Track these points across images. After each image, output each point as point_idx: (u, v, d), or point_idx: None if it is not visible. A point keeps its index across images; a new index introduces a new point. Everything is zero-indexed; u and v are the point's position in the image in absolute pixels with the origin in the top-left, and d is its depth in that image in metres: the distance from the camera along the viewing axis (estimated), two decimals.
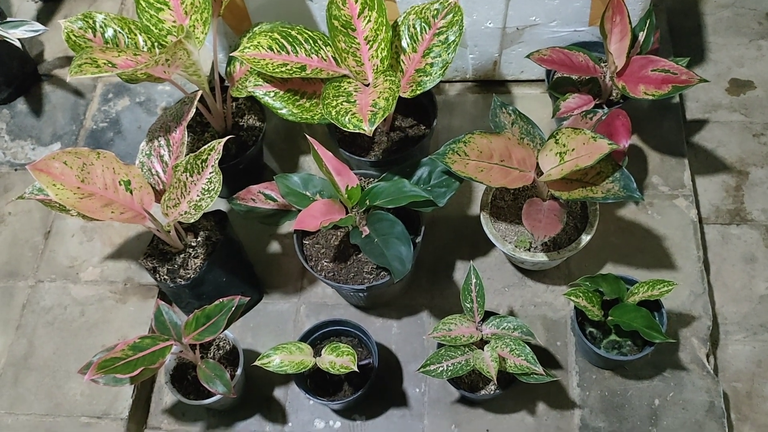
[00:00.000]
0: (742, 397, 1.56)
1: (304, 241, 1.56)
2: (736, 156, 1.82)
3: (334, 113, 1.37)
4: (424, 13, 1.50)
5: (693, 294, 1.61)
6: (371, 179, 1.59)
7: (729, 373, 1.58)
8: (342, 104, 1.38)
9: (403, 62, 1.53)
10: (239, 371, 1.49)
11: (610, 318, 1.43)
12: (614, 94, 1.68)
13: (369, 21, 1.48)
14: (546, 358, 1.57)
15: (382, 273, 1.49)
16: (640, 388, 1.53)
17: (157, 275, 1.51)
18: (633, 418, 1.50)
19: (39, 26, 1.88)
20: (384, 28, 1.48)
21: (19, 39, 1.85)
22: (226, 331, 1.50)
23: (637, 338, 1.47)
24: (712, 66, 1.97)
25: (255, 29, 1.59)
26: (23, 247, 1.81)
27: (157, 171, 1.48)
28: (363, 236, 1.43)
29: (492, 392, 1.47)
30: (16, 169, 1.94)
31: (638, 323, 1.38)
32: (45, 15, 2.18)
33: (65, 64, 2.09)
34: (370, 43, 1.49)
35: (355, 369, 1.37)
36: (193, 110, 1.46)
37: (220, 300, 1.37)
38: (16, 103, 2.04)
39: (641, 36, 1.59)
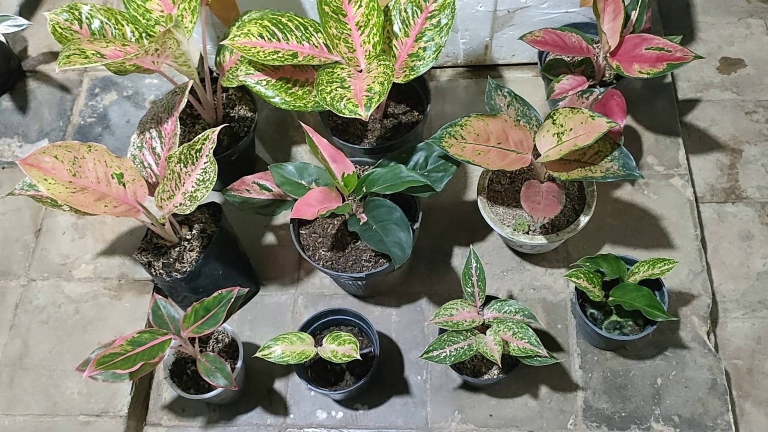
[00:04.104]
0: (743, 373, 1.56)
1: (301, 231, 1.54)
2: (730, 134, 1.82)
3: (329, 99, 1.35)
4: None
5: (692, 272, 1.61)
6: (367, 166, 1.58)
7: (729, 350, 1.58)
8: (336, 90, 1.37)
9: (396, 47, 1.51)
10: (239, 363, 1.47)
11: (611, 298, 1.42)
12: (607, 75, 1.67)
13: (360, 6, 1.46)
14: (547, 341, 1.57)
15: (380, 260, 1.48)
16: (642, 368, 1.52)
17: (153, 270, 1.49)
18: (636, 398, 1.50)
19: (22, 21, 1.84)
20: (375, 12, 1.46)
21: (2, 34, 1.82)
22: (224, 324, 1.48)
23: (638, 318, 1.47)
24: (703, 45, 1.97)
25: (244, 17, 1.57)
26: (14, 246, 1.78)
27: (149, 163, 1.46)
28: (361, 223, 1.41)
29: (495, 377, 1.46)
30: (3, 167, 1.91)
31: (640, 302, 1.38)
32: (28, 10, 2.14)
33: (50, 60, 2.06)
34: (362, 28, 1.47)
35: (358, 357, 1.36)
36: (185, 100, 1.44)
37: (219, 291, 1.36)
38: (0, 101, 2.00)
39: (634, 15, 1.58)
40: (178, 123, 1.45)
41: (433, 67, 1.88)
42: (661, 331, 1.55)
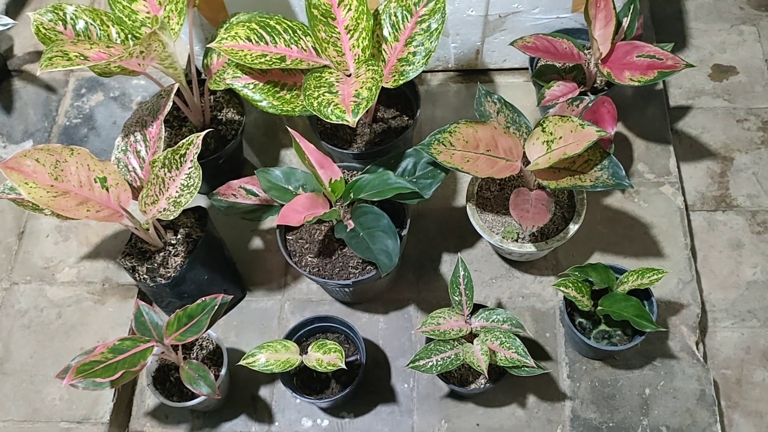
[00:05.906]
0: (732, 384, 1.55)
1: (288, 237, 1.53)
2: (721, 142, 1.81)
3: (315, 104, 1.33)
4: (406, 1, 1.47)
5: (681, 282, 1.60)
6: (355, 172, 1.56)
7: (718, 360, 1.57)
8: (324, 95, 1.35)
9: (385, 51, 1.49)
10: (223, 371, 1.45)
11: (599, 308, 1.41)
12: (599, 82, 1.66)
13: (349, 9, 1.44)
14: (535, 349, 1.56)
15: (368, 267, 1.46)
16: (630, 377, 1.51)
17: (137, 275, 1.47)
18: (624, 408, 1.49)
19: (8, 20, 1.82)
20: (365, 16, 1.44)
21: None
22: (209, 331, 1.46)
23: (626, 328, 1.46)
24: (695, 52, 1.96)
25: (232, 20, 1.55)
26: None
27: (133, 167, 1.44)
28: (348, 230, 1.39)
29: (482, 386, 1.45)
30: None
31: (628, 312, 1.36)
32: (13, 9, 2.11)
33: (36, 59, 2.03)
34: (351, 32, 1.45)
35: (343, 366, 1.34)
36: (170, 104, 1.42)
37: (203, 299, 1.33)
38: None
39: (625, 22, 1.57)
40: (163, 126, 1.43)
41: (423, 72, 1.86)
42: (650, 340, 1.54)
